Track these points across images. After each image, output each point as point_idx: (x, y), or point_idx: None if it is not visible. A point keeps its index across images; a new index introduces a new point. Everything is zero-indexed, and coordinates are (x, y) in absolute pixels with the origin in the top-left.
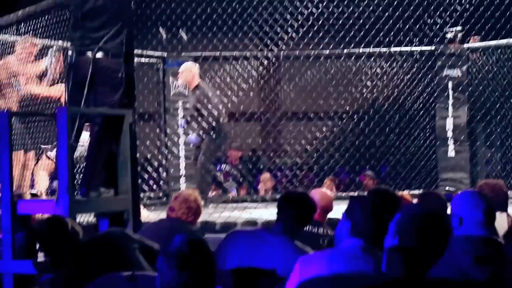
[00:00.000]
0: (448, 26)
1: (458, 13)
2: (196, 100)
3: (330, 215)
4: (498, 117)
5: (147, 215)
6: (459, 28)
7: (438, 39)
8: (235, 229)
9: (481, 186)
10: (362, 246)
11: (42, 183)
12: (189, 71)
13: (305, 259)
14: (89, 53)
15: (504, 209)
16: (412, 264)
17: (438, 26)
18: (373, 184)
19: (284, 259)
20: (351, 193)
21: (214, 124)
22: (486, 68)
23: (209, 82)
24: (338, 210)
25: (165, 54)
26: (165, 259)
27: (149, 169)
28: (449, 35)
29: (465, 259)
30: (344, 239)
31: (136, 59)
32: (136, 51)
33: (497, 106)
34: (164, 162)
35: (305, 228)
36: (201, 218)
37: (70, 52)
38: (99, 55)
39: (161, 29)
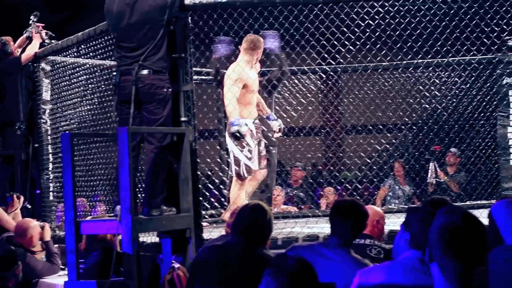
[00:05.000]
0: (505, 34)
1: None
2: None
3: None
4: None
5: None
6: None
7: (496, 48)
8: (293, 245)
9: None
10: (420, 258)
11: None
12: None
13: (364, 272)
14: (133, 72)
15: None
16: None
17: (495, 34)
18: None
19: (343, 272)
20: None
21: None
22: None
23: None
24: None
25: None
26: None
27: (211, 186)
28: (511, 43)
29: (509, 266)
30: (403, 251)
31: (195, 77)
32: (194, 69)
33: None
34: (225, 179)
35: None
36: None
37: (114, 73)
38: (144, 72)
39: None
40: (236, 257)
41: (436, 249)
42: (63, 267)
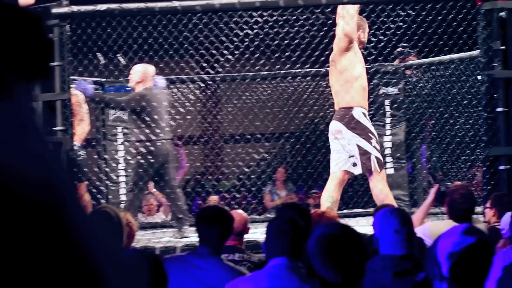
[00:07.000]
0: (382, 44)
1: (391, 31)
2: None
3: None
4: (433, 133)
5: None
6: (404, 45)
7: (372, 58)
8: (164, 257)
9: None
10: (285, 264)
11: None
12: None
13: (231, 285)
14: None
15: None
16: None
17: (372, 44)
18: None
19: (218, 281)
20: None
21: None
22: (421, 85)
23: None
24: None
25: (102, 80)
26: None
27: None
28: (397, 51)
29: (385, 275)
30: (269, 259)
31: (73, 85)
32: (72, 77)
33: (432, 122)
34: (103, 188)
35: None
36: (140, 243)
37: None
38: None
39: (98, 55)
40: None
41: (316, 259)
42: None
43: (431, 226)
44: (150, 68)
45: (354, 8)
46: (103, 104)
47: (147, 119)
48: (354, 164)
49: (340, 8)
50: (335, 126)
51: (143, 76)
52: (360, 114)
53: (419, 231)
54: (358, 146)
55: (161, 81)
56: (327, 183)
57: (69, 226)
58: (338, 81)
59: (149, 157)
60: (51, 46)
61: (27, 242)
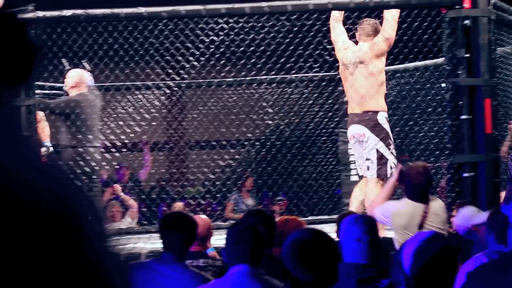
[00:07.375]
0: None
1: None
2: None
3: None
4: (398, 140)
5: None
6: None
7: (337, 65)
8: (129, 263)
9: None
10: (247, 271)
11: None
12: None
13: None
14: None
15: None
16: None
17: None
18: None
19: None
20: None
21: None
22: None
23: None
24: None
25: None
26: None
27: None
28: None
29: (349, 282)
30: (230, 266)
31: (38, 91)
32: (37, 83)
33: (397, 129)
34: None
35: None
36: None
37: None
38: None
39: (63, 60)
40: None
41: (289, 263)
42: None
43: (391, 207)
44: (86, 74)
45: (398, 14)
46: (38, 109)
47: (80, 125)
48: (368, 168)
49: (336, 12)
50: (357, 130)
51: (78, 81)
52: (384, 119)
53: (378, 210)
54: (377, 151)
55: (91, 81)
56: (367, 187)
57: (80, 234)
58: (364, 84)
59: (81, 163)
60: (34, 50)
61: (36, 249)
